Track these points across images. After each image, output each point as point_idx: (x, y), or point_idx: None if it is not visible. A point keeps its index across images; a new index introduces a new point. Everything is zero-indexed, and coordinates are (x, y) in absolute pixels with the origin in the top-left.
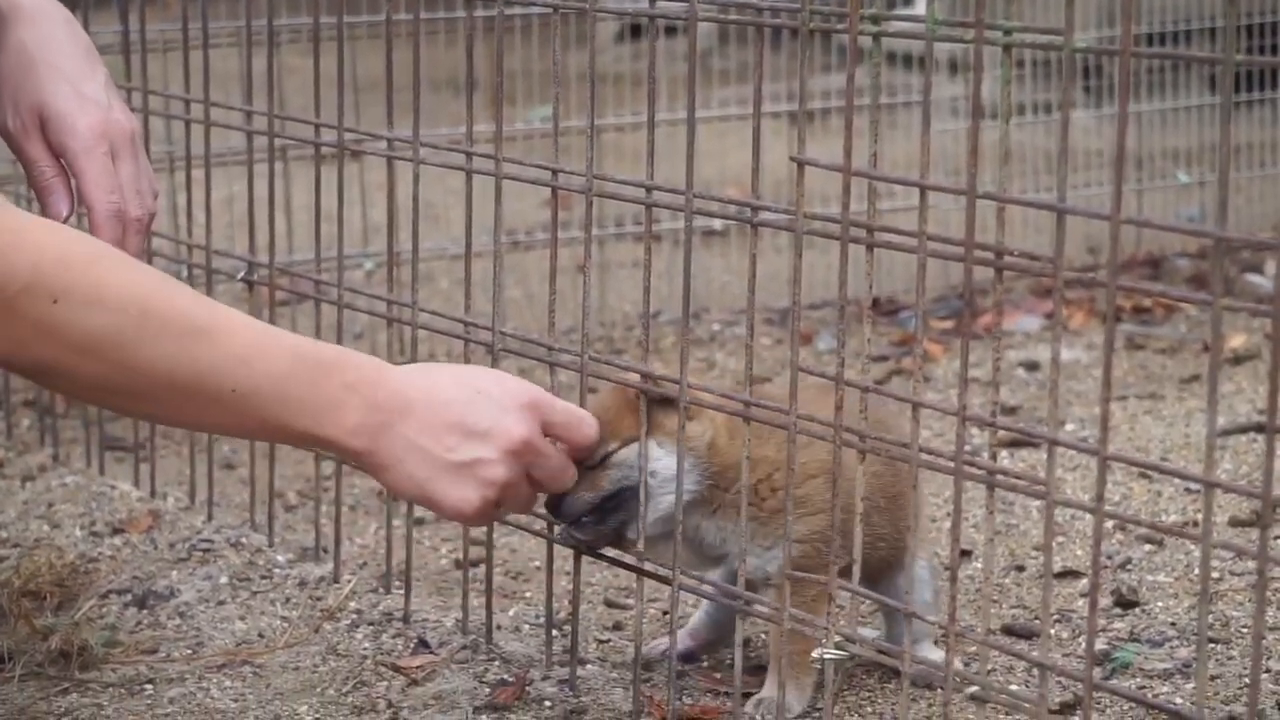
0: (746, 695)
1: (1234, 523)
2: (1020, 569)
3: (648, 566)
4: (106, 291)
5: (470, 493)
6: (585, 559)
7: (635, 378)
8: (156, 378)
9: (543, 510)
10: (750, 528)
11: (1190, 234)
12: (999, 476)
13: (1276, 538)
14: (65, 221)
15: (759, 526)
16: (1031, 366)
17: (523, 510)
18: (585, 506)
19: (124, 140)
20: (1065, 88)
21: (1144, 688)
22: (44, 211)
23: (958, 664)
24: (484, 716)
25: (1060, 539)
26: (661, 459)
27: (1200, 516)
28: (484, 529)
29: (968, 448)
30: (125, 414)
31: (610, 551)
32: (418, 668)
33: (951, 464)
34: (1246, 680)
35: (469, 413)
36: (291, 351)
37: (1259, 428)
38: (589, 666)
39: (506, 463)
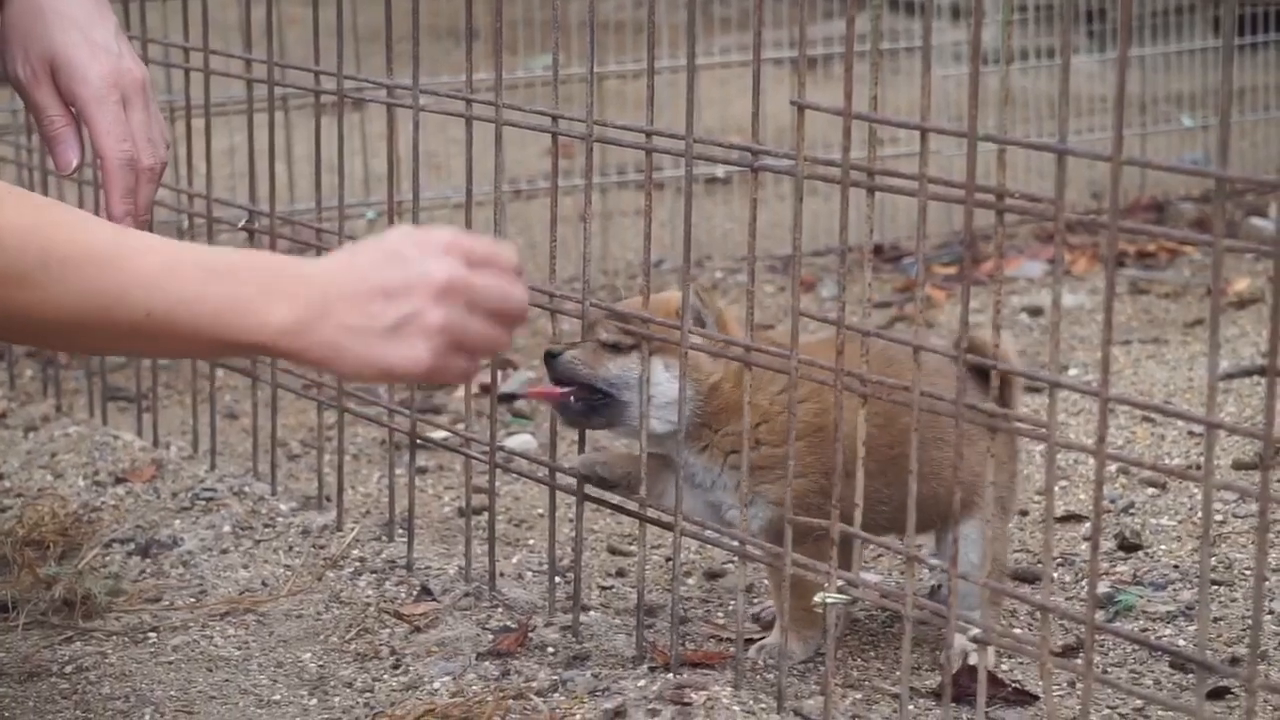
0: (749, 641)
1: (1237, 465)
2: (1024, 513)
3: (650, 513)
4: (3, 233)
5: (416, 349)
6: (588, 506)
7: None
8: (70, 313)
9: (545, 458)
10: (734, 477)
11: (1191, 174)
12: (1000, 420)
13: (1278, 480)
14: (75, 170)
15: (742, 477)
16: (1035, 312)
17: (494, 349)
18: (576, 376)
19: (135, 88)
20: (1065, 30)
21: (1147, 630)
22: (54, 160)
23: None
24: (487, 663)
25: (1063, 483)
26: (663, 383)
27: (1203, 459)
28: (487, 470)
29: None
30: (50, 348)
31: (613, 498)
32: (421, 615)
33: (952, 407)
34: (1249, 622)
35: (384, 274)
36: (202, 265)
37: (1262, 370)
38: (592, 613)
39: (439, 305)
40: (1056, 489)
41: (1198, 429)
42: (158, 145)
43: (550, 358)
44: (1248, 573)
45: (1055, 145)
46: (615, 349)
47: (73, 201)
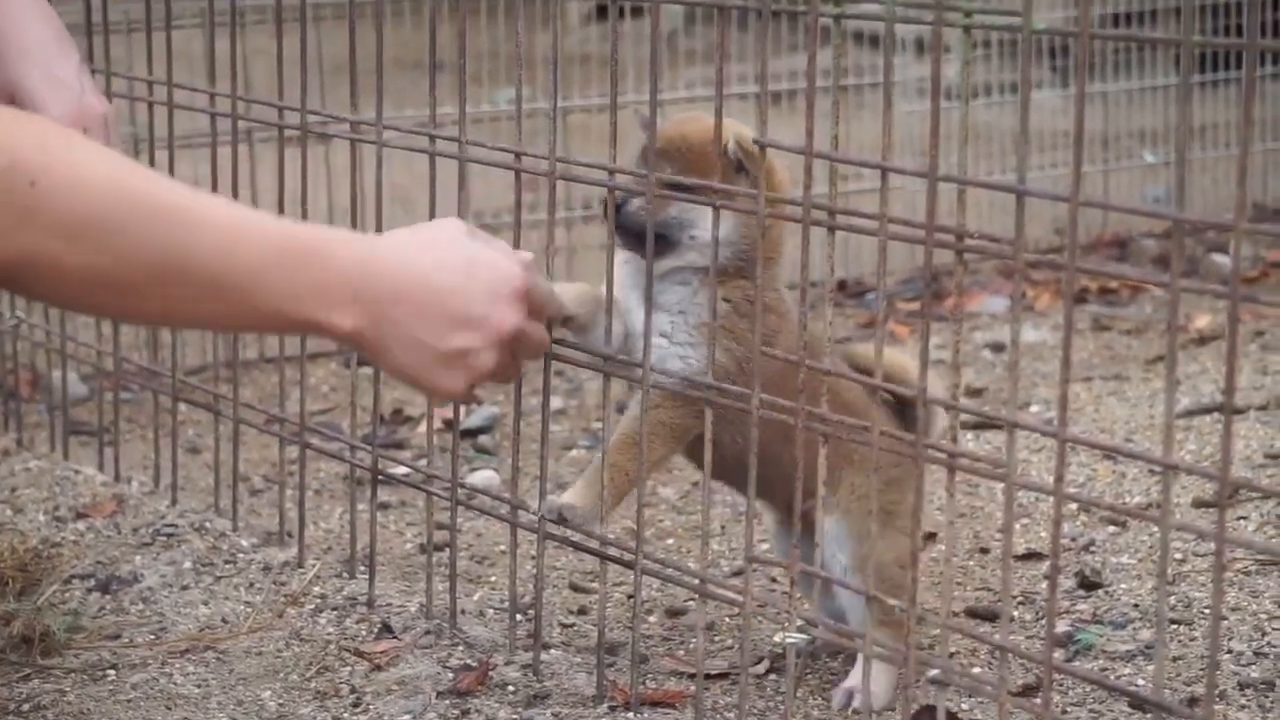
0: (709, 678)
1: (1197, 503)
2: (984, 551)
3: (611, 551)
4: (86, 173)
5: (459, 380)
6: (550, 543)
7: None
8: (144, 264)
9: (507, 495)
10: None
11: (1149, 216)
12: (959, 460)
13: (1240, 518)
14: None
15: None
16: (997, 348)
17: (507, 381)
18: (637, 224)
19: (96, 124)
20: (1024, 70)
21: (1107, 669)
22: None
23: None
24: (447, 702)
25: (1024, 521)
26: (707, 228)
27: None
28: (449, 509)
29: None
30: (111, 314)
31: (575, 536)
32: (381, 653)
33: (912, 447)
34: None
35: (461, 301)
36: (277, 235)
37: (1222, 408)
38: (553, 651)
39: (495, 352)
40: (1018, 526)
41: (1158, 466)
42: None
43: (617, 207)
44: (1207, 611)
45: (1015, 186)
46: (677, 189)
47: None
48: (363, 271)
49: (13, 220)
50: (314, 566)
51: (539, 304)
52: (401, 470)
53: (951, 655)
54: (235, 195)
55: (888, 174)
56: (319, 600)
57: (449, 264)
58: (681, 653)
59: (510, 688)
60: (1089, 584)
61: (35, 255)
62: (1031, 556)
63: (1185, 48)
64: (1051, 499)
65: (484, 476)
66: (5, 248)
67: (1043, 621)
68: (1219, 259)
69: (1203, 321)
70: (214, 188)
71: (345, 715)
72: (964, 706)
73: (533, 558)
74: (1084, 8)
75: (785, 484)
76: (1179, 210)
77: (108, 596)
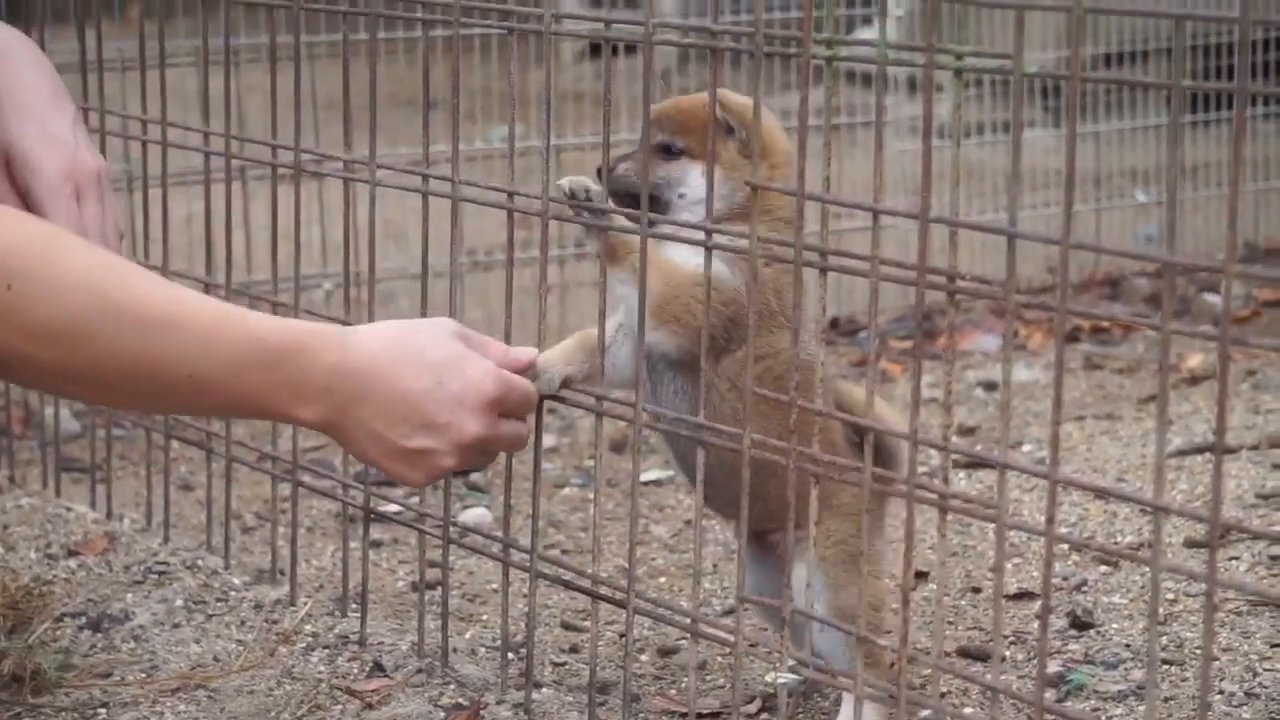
0: (700, 717)
1: (1189, 543)
2: (976, 590)
3: (603, 590)
4: (64, 278)
5: (417, 474)
6: (542, 582)
7: None
8: (115, 366)
9: (498, 533)
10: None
11: (1139, 258)
12: (951, 500)
13: (1232, 558)
14: None
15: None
16: (990, 386)
17: (475, 470)
18: (630, 188)
19: (90, 181)
20: (1015, 113)
21: (1098, 710)
22: None
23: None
24: None
25: (1016, 560)
26: (696, 185)
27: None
28: (440, 547)
29: (925, 468)
30: (85, 401)
31: (566, 574)
32: (373, 691)
33: (904, 488)
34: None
35: (426, 406)
36: (250, 336)
37: (1213, 448)
38: (544, 690)
39: (458, 455)
40: (1009, 566)
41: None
42: (110, 238)
43: (609, 171)
44: (1199, 652)
45: (1006, 228)
46: (666, 152)
47: None
48: (335, 372)
49: None
50: (306, 604)
51: (517, 405)
52: (393, 508)
53: (943, 695)
54: (229, 232)
55: (879, 216)
56: (311, 638)
57: (420, 368)
58: (673, 692)
59: None
60: (1081, 624)
61: (8, 353)
62: (1023, 596)
63: (1175, 91)
64: (1043, 539)
65: (476, 514)
66: None
67: (1035, 661)
68: (1211, 298)
69: (1195, 361)
70: (207, 224)
71: None
72: None
73: (525, 596)
74: (1075, 50)
75: (756, 504)
76: (1170, 252)
77: (99, 635)
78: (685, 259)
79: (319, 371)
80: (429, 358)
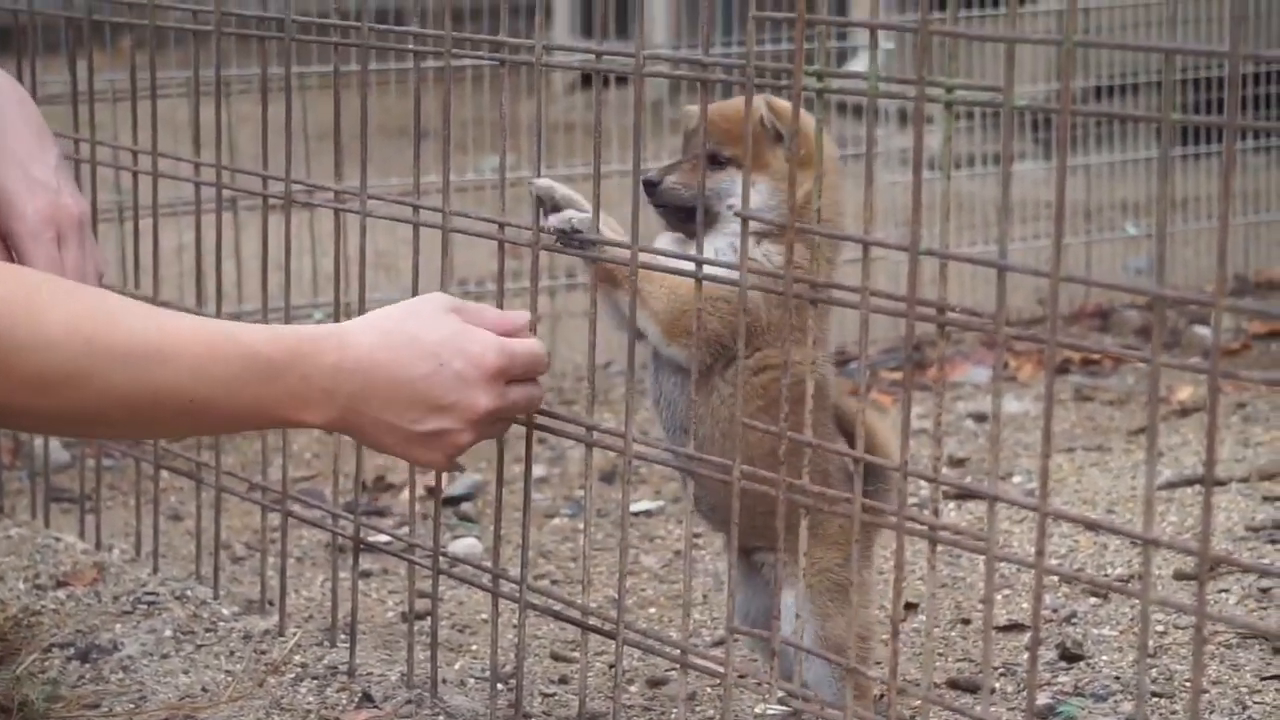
0: None
1: (1178, 575)
2: (966, 622)
3: (593, 621)
4: (50, 328)
5: (437, 455)
6: (532, 612)
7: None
8: (115, 404)
9: (488, 564)
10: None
11: (1129, 291)
12: (940, 532)
13: (1222, 591)
14: None
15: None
16: (980, 418)
17: (494, 437)
18: (677, 200)
19: (71, 225)
20: (1005, 146)
21: None
22: None
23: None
24: None
25: (1006, 591)
26: (751, 198)
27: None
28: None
29: (916, 499)
30: (93, 439)
31: (555, 605)
32: None
33: (894, 519)
34: None
35: (431, 390)
36: (244, 353)
37: (1203, 480)
38: None
39: (473, 431)
40: (999, 597)
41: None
42: (90, 280)
43: (651, 186)
44: (1189, 684)
45: (996, 261)
46: (713, 161)
47: None
48: (336, 373)
49: None
50: (295, 635)
51: (523, 370)
52: (383, 538)
53: None
54: (219, 261)
55: (869, 249)
56: (300, 669)
57: (419, 353)
58: None
59: None
60: (1070, 656)
61: (6, 405)
62: (1013, 628)
63: (1165, 125)
64: (1033, 571)
65: (466, 545)
66: None
67: (1024, 693)
68: (1201, 331)
69: (1185, 393)
70: (198, 255)
71: None
72: None
73: (514, 627)
74: (1065, 83)
75: (746, 518)
76: (1159, 285)
77: (87, 665)
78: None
79: (319, 375)
80: (426, 341)
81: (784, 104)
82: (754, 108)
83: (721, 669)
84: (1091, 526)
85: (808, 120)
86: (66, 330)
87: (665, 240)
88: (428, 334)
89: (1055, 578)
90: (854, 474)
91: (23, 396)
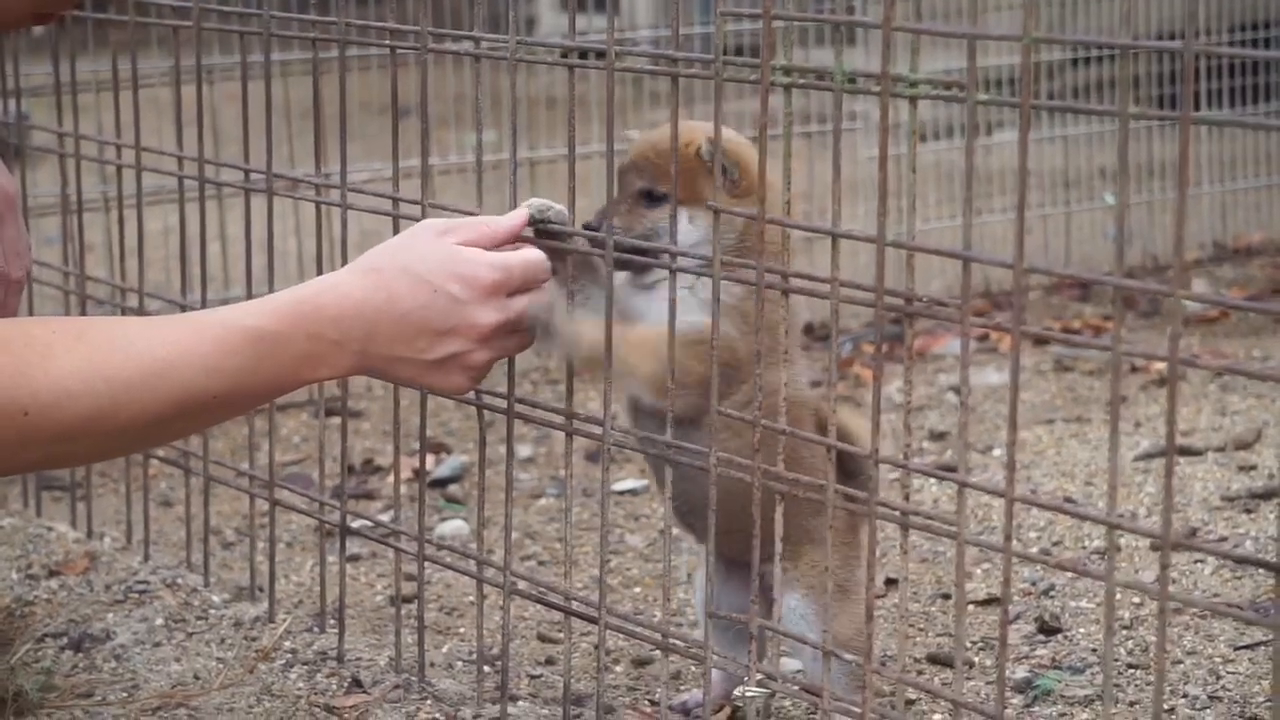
0: None
1: (1155, 547)
2: (946, 597)
3: (576, 605)
4: (67, 380)
5: (456, 380)
6: (514, 599)
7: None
8: (143, 426)
9: (473, 548)
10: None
11: (1092, 282)
12: (912, 517)
13: (1197, 561)
14: None
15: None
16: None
17: (521, 350)
18: (620, 245)
19: (4, 205)
20: (969, 140)
21: (1065, 715)
22: None
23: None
24: None
25: (985, 565)
26: (686, 231)
27: (1124, 542)
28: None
29: (895, 475)
30: (131, 454)
31: (540, 590)
32: (351, 707)
33: (865, 505)
34: (1166, 705)
35: (431, 316)
36: (250, 337)
37: (1181, 451)
38: (520, 704)
39: (485, 347)
40: (978, 571)
41: (1119, 509)
42: (24, 257)
43: (592, 230)
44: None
45: (960, 252)
46: (649, 199)
47: None
48: (337, 325)
49: (16, 447)
50: (284, 621)
51: (523, 281)
52: (369, 523)
53: (910, 704)
54: (203, 247)
55: (838, 240)
56: (290, 655)
57: (413, 284)
58: (647, 703)
59: None
60: (1048, 629)
61: (44, 459)
62: (992, 602)
63: (1122, 121)
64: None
65: (454, 526)
66: (16, 463)
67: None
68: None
69: (1162, 364)
70: (182, 245)
71: None
72: None
73: (500, 609)
74: (1026, 80)
75: (735, 526)
76: (1119, 271)
77: (80, 654)
78: (664, 320)
79: (324, 330)
80: (418, 271)
81: (728, 136)
82: (693, 140)
83: (702, 652)
84: (1057, 510)
85: (749, 152)
86: (83, 379)
87: (619, 282)
88: (419, 264)
89: (1033, 550)
90: (828, 463)
91: (58, 448)
